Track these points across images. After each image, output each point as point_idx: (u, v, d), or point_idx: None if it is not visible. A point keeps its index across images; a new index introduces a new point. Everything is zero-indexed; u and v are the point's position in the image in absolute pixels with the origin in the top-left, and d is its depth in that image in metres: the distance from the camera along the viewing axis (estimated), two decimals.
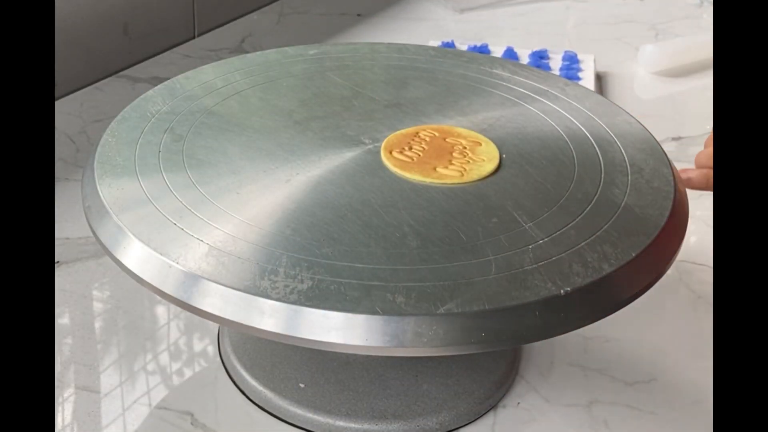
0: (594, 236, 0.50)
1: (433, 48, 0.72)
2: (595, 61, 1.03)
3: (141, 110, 0.60)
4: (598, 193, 0.54)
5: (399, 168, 0.56)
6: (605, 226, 0.51)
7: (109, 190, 0.52)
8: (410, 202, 0.53)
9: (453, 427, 0.56)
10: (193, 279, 0.46)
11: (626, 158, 0.58)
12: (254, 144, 0.57)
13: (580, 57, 1.04)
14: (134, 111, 0.60)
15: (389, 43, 0.72)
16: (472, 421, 0.57)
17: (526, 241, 0.50)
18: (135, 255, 0.48)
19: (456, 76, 0.68)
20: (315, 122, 0.60)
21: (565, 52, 1.05)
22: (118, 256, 0.49)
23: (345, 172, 0.55)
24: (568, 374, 0.61)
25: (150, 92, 0.62)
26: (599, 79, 1.04)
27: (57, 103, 0.91)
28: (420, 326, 0.44)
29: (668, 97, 1.04)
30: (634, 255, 0.49)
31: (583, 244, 0.50)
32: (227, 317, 0.45)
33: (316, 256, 0.47)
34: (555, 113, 0.63)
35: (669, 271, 0.51)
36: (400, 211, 0.52)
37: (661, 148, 0.59)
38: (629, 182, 0.55)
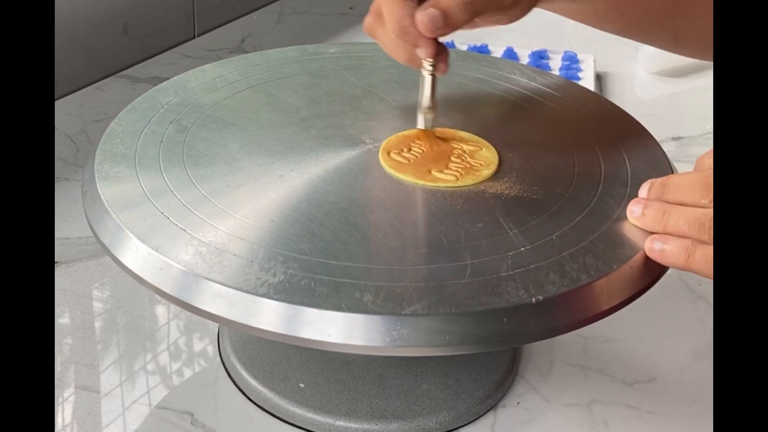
0: (578, 246, 0.50)
1: (455, 51, 0.71)
2: (595, 61, 1.03)
3: (152, 101, 0.61)
4: (593, 203, 0.54)
5: (394, 169, 0.56)
6: (592, 237, 0.51)
7: (109, 189, 0.52)
8: (398, 203, 0.53)
9: (453, 427, 0.56)
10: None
11: (629, 169, 0.57)
12: (255, 139, 0.58)
13: (580, 57, 1.04)
14: (145, 101, 0.61)
15: None
16: (472, 421, 0.57)
17: (507, 248, 0.49)
18: (134, 254, 0.48)
19: (472, 80, 0.67)
20: (320, 120, 0.60)
21: (565, 52, 1.05)
22: (117, 255, 0.49)
23: (339, 171, 0.55)
24: (567, 374, 0.61)
25: (164, 84, 0.63)
26: (599, 79, 1.04)
27: (57, 103, 0.91)
28: (384, 326, 0.44)
29: (668, 97, 1.04)
30: (615, 267, 0.48)
31: (565, 253, 0.49)
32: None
33: (293, 251, 0.48)
34: (563, 120, 0.63)
35: (669, 271, 0.51)
36: (386, 212, 0.52)
37: (669, 161, 0.59)
38: (626, 194, 0.54)
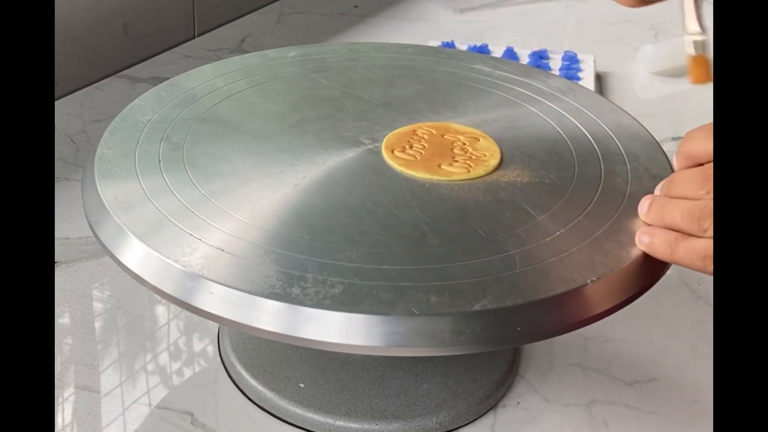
0: (607, 225, 0.51)
1: (411, 46, 0.72)
2: (595, 61, 1.03)
3: (131, 120, 0.59)
4: (602, 182, 0.55)
5: (404, 167, 0.56)
6: (616, 215, 0.52)
7: (109, 189, 0.52)
8: (422, 200, 0.53)
9: (453, 427, 0.56)
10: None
11: (621, 148, 0.58)
12: (255, 149, 0.57)
13: (580, 57, 1.04)
14: (125, 121, 0.59)
15: (368, 42, 0.72)
16: (472, 421, 0.57)
17: (543, 234, 0.50)
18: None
19: (439, 73, 0.68)
20: (310, 125, 0.60)
21: (565, 52, 1.05)
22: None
23: (351, 174, 0.55)
24: (568, 374, 0.61)
25: (137, 101, 0.61)
26: (599, 79, 1.04)
27: (57, 103, 0.91)
28: (458, 324, 0.44)
29: (668, 97, 1.04)
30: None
31: (598, 233, 0.51)
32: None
33: (341, 260, 0.47)
34: (543, 105, 0.64)
35: (669, 271, 0.51)
36: (414, 210, 0.52)
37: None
38: (628, 170, 0.56)
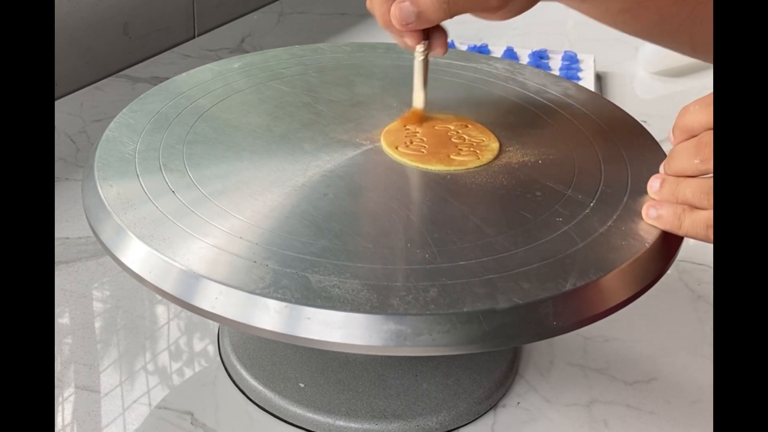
0: (629, 189, 0.53)
1: (347, 44, 0.73)
2: (595, 61, 1.03)
3: (117, 153, 0.55)
4: (600, 151, 0.57)
5: (418, 162, 0.56)
6: (630, 178, 0.54)
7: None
8: (453, 192, 0.53)
9: (453, 427, 0.56)
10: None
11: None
12: (263, 164, 0.55)
13: (580, 57, 1.04)
14: (109, 155, 0.55)
15: (303, 46, 0.71)
16: (472, 421, 0.57)
17: (580, 207, 0.51)
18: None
19: (387, 68, 0.68)
20: (300, 133, 0.59)
21: (565, 52, 1.05)
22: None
23: (371, 176, 0.55)
24: (567, 374, 0.61)
25: (110, 133, 0.57)
26: (599, 79, 1.04)
27: (57, 103, 0.91)
28: (558, 305, 0.45)
29: (668, 97, 1.04)
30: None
31: (626, 199, 0.52)
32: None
33: (422, 263, 0.47)
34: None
35: (669, 271, 0.51)
36: (452, 203, 0.52)
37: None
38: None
